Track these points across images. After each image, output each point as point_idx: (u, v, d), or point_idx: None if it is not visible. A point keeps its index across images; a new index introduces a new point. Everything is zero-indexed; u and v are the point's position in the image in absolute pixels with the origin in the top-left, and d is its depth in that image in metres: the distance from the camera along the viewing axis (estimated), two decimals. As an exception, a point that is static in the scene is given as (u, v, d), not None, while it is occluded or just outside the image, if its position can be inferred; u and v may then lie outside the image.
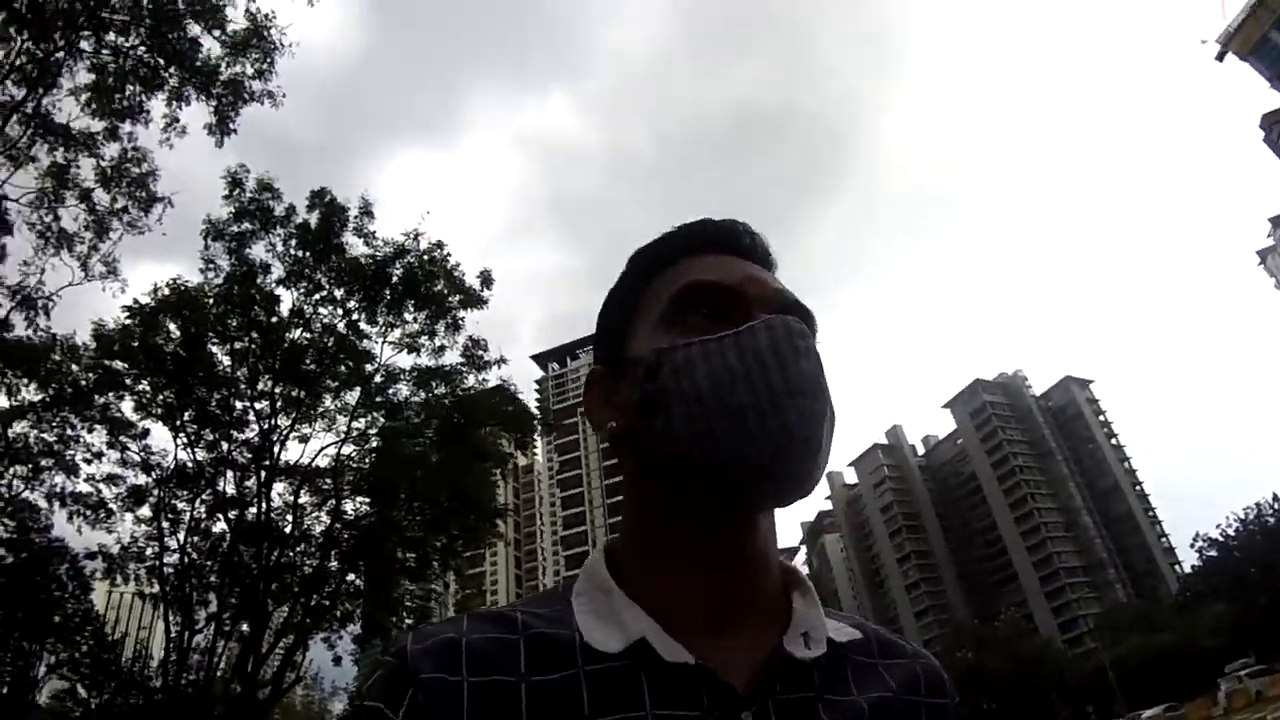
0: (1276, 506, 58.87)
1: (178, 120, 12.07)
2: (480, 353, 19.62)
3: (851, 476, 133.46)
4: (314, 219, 18.56)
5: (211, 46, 13.13)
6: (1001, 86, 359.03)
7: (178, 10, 11.44)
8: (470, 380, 20.53)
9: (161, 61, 11.89)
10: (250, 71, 12.25)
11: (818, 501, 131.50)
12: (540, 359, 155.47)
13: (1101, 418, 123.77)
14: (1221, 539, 61.28)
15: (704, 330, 0.73)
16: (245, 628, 19.20)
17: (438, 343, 19.89)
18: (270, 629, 19.40)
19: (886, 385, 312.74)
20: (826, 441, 0.70)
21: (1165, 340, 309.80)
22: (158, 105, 12.84)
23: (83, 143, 13.32)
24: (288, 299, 19.48)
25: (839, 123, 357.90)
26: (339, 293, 19.58)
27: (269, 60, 12.31)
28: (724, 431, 0.67)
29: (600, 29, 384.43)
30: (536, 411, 22.84)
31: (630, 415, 0.75)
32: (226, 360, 19.74)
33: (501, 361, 20.02)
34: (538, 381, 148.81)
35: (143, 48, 11.97)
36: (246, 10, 13.00)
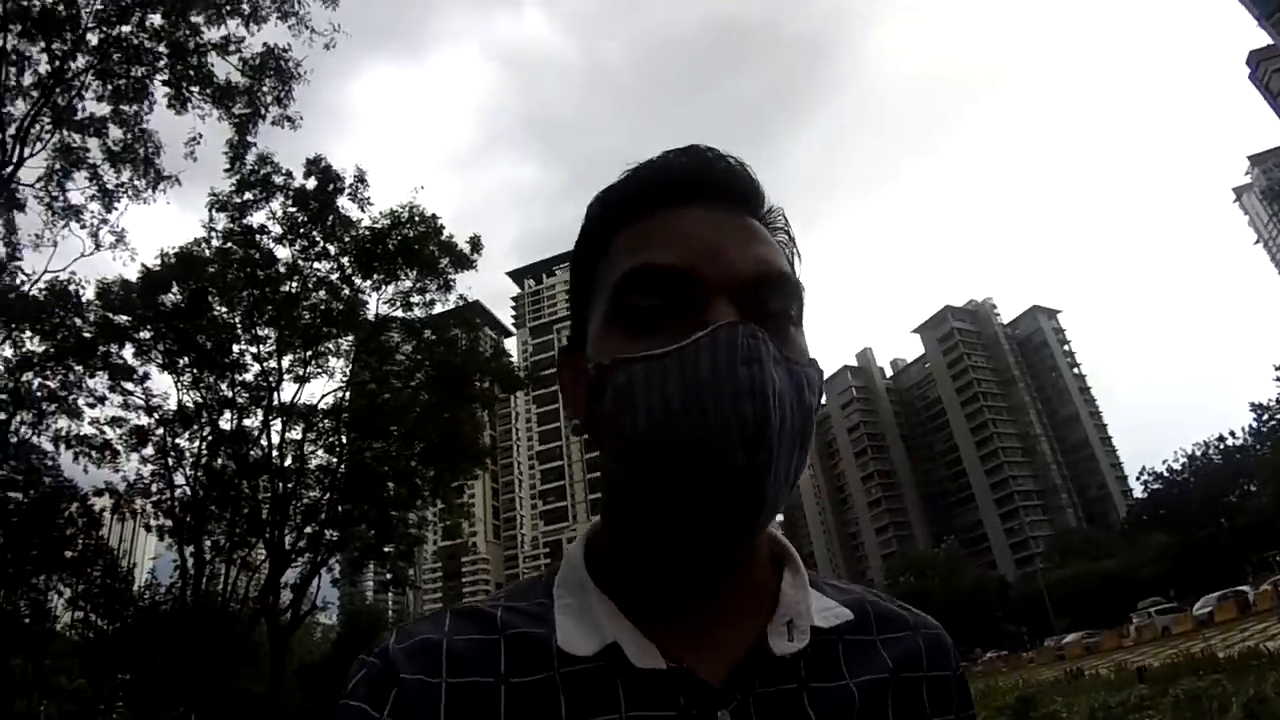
0: (1221, 447, 60.63)
1: (200, 136, 12.57)
2: (474, 316, 20.60)
3: (820, 397, 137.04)
4: (310, 184, 19.41)
5: (229, 71, 14.06)
6: (987, 8, 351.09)
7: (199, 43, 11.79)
8: (458, 333, 21.63)
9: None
10: (269, 97, 12.74)
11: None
12: (517, 275, 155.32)
13: (1066, 348, 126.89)
14: (1167, 474, 63.58)
15: (652, 327, 0.64)
16: (262, 556, 20.82)
17: (428, 298, 21.08)
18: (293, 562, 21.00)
19: (859, 308, 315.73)
20: (786, 473, 0.62)
21: (1136, 274, 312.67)
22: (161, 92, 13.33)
23: (90, 126, 13.85)
24: (284, 254, 20.49)
25: (822, 39, 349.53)
26: (333, 249, 20.52)
27: (287, 88, 12.82)
28: (662, 481, 0.61)
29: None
30: (522, 366, 24.18)
31: (585, 421, 0.71)
32: (224, 309, 20.73)
33: (495, 326, 20.74)
34: (514, 298, 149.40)
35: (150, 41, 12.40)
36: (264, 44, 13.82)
